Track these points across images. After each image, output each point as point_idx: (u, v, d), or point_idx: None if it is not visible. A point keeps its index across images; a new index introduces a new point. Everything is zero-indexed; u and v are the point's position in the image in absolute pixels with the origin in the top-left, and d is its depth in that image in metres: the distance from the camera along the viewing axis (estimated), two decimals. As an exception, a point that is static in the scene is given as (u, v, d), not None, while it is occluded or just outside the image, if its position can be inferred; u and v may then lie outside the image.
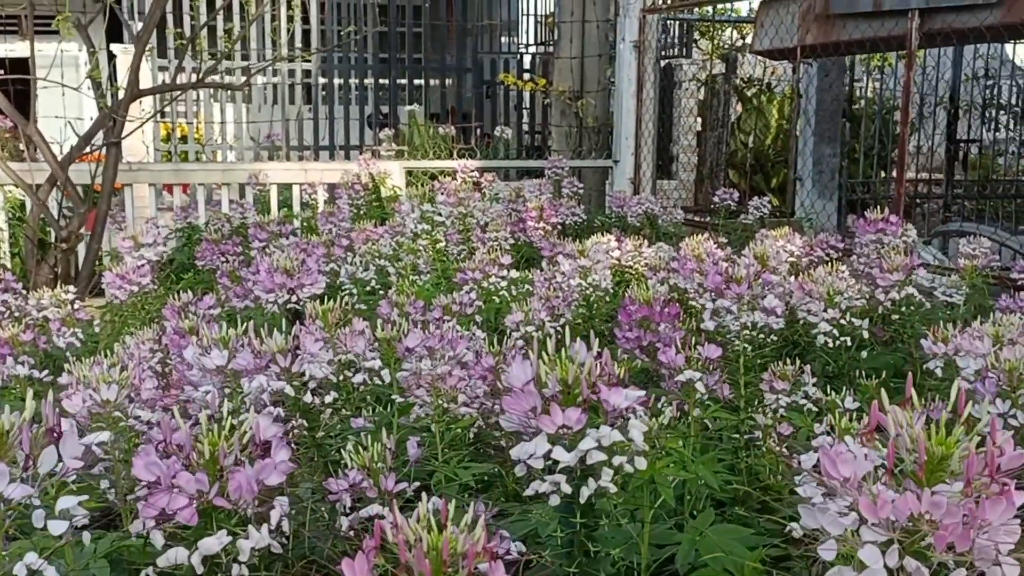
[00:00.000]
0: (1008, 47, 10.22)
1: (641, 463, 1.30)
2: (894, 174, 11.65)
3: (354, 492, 1.62)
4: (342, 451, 1.68)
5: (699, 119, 12.01)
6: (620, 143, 7.92)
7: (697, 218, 7.57)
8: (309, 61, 10.71)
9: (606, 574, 1.38)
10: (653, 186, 8.05)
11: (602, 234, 5.10)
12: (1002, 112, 10.06)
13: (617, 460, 1.28)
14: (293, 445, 1.81)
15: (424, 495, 1.63)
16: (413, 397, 2.12)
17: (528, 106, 12.58)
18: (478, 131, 10.55)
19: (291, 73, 10.73)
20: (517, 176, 9.97)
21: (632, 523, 1.68)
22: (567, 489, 1.27)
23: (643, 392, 1.33)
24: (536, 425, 1.26)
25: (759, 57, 9.28)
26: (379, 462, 1.63)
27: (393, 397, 2.07)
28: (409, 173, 7.73)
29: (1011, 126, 10.26)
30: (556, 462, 1.27)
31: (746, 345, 3.31)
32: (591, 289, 3.81)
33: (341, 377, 2.24)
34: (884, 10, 5.69)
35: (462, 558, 1.03)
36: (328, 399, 1.89)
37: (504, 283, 3.87)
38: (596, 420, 1.31)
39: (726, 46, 12.31)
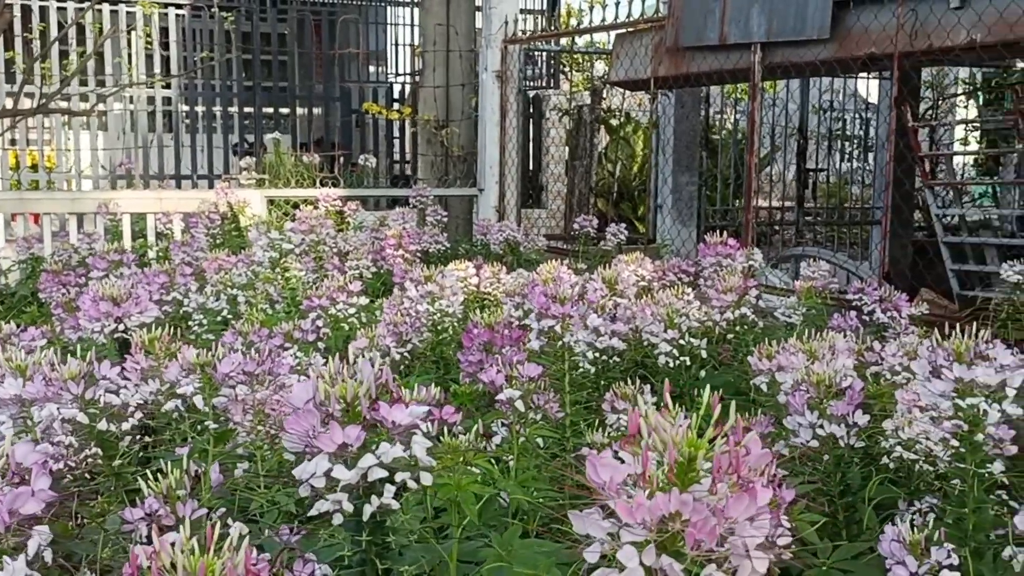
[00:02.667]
0: (855, 82, 10.77)
1: (427, 479, 1.31)
2: (756, 200, 12.08)
3: (152, 521, 1.58)
4: (139, 479, 1.63)
5: (568, 149, 12.22)
6: (485, 172, 8.00)
7: (560, 245, 7.68)
8: (169, 87, 10.47)
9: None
10: (518, 214, 8.15)
11: (461, 261, 5.12)
12: (847, 142, 10.59)
13: (400, 476, 1.28)
14: (88, 475, 1.76)
15: (231, 522, 1.59)
16: (233, 424, 2.08)
17: (398, 135, 12.59)
18: (341, 159, 10.49)
19: (150, 100, 10.47)
20: (388, 205, 9.96)
21: (440, 541, 1.69)
22: (349, 507, 1.27)
23: (426, 409, 1.34)
24: (317, 444, 1.26)
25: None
26: (178, 489, 1.59)
27: (207, 423, 2.03)
28: (271, 202, 7.62)
29: (856, 156, 10.81)
30: (339, 480, 1.26)
31: (589, 366, 3.39)
32: (440, 315, 3.81)
33: (171, 405, 2.19)
34: (729, 43, 5.93)
35: (219, 579, 1.02)
36: (126, 426, 1.84)
37: (352, 310, 3.84)
38: (383, 437, 1.32)
39: (592, 77, 12.59)
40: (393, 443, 1.28)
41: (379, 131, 11.97)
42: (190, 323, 4.29)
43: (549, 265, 4.47)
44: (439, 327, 3.83)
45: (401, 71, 14.53)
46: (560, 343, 2.54)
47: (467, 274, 4.87)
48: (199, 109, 10.93)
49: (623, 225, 6.31)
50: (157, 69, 10.36)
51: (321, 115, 12.44)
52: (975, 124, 9.82)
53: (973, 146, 10.27)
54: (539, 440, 2.52)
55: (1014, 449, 2.43)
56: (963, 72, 10.32)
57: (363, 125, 11.99)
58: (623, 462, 1.19)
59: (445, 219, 7.27)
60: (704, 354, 3.58)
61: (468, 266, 4.97)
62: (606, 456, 1.16)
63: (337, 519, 1.28)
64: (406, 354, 3.59)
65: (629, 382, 2.97)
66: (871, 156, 10.13)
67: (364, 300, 3.96)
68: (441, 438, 1.71)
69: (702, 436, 1.19)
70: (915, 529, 1.95)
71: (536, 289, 2.51)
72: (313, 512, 1.28)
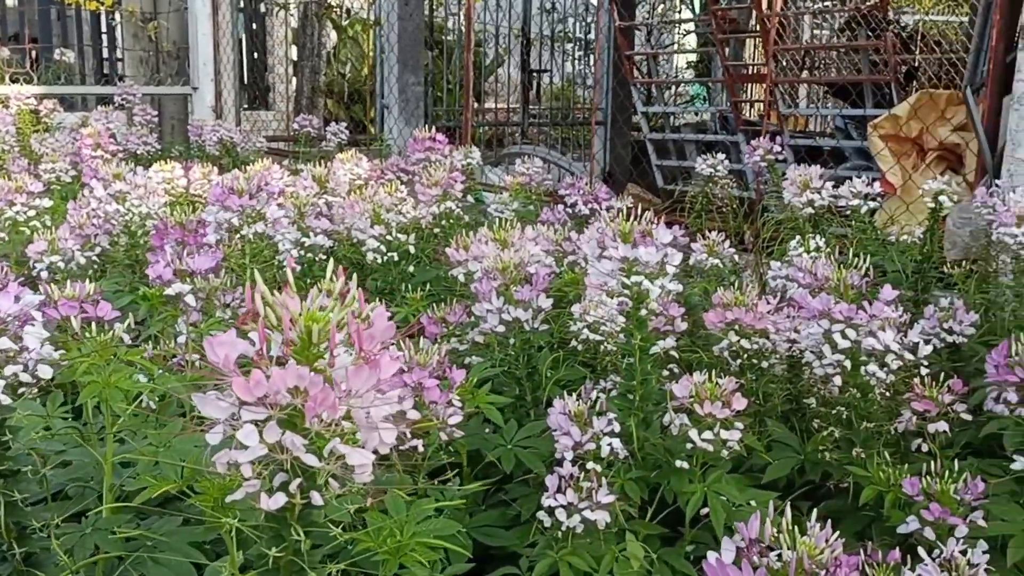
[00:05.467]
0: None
1: (45, 372, 1.21)
2: (488, 103, 12.20)
3: None
4: None
5: (295, 48, 11.78)
6: (198, 69, 7.55)
7: (282, 146, 7.44)
8: None
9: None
10: (237, 114, 7.78)
11: (168, 162, 4.83)
12: (570, 44, 10.86)
13: (11, 370, 1.18)
14: None
15: None
16: None
17: (106, 30, 11.63)
18: (34, 54, 9.56)
19: None
20: (98, 104, 9.21)
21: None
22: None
23: (40, 298, 1.24)
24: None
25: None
26: None
27: None
28: (-50, 101, 6.84)
29: (578, 58, 11.12)
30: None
31: (297, 265, 3.31)
32: (134, 216, 3.58)
33: None
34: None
35: None
36: None
37: (33, 212, 3.54)
38: None
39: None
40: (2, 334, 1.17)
41: (83, 25, 10.99)
42: None
43: (260, 164, 4.31)
44: (134, 229, 3.60)
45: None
46: (238, 236, 2.44)
47: (173, 175, 4.60)
48: None
49: (343, 125, 6.17)
50: None
51: (16, 7, 11.24)
52: (686, 28, 10.33)
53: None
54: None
55: (684, 326, 2.62)
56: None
57: (64, 18, 10.95)
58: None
59: (156, 119, 6.84)
60: (412, 249, 3.58)
61: (175, 167, 4.69)
62: (226, 335, 1.11)
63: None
64: (95, 258, 3.36)
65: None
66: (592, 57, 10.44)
67: (48, 202, 3.65)
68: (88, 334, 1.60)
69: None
70: (582, 402, 2.05)
71: (216, 182, 2.39)
72: None
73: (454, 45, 10.49)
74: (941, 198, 3.35)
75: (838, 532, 2.47)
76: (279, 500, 1.09)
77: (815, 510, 2.52)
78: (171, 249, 2.26)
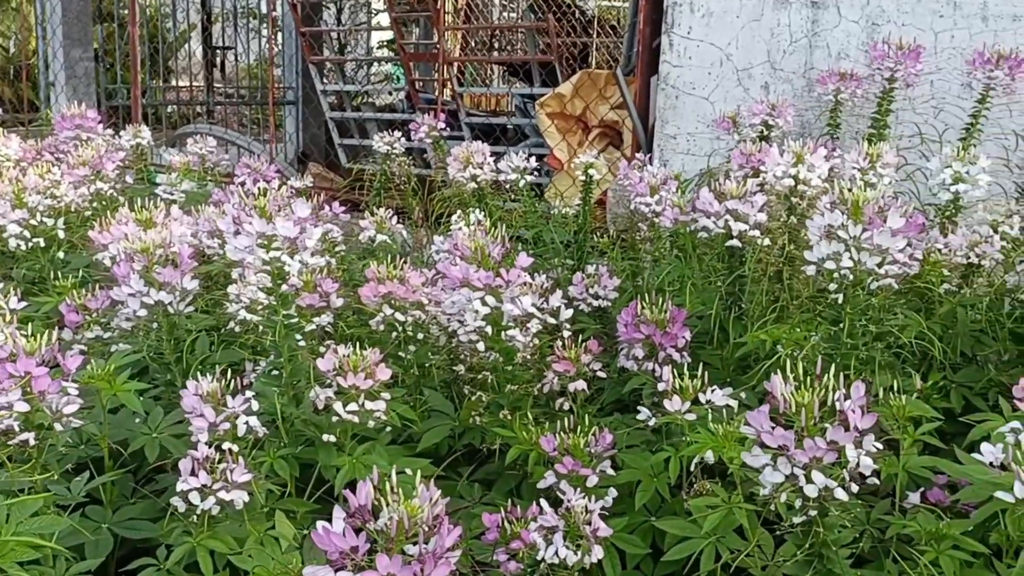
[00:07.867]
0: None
1: None
2: (182, 80, 11.59)
3: None
4: None
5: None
6: None
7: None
8: None
9: None
10: None
11: None
12: (255, 19, 10.50)
13: None
14: None
15: None
16: None
17: None
18: None
19: None
20: None
21: None
22: None
23: None
24: None
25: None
26: None
27: None
28: None
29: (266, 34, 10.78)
30: None
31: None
32: None
33: None
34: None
35: None
36: None
37: None
38: None
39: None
40: None
41: None
42: None
43: None
44: None
45: None
46: None
47: None
48: None
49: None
50: None
51: None
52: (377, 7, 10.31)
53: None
54: None
55: (340, 302, 2.62)
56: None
57: None
58: None
59: None
60: (62, 234, 3.36)
61: None
62: None
63: None
64: None
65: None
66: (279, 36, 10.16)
67: None
68: None
69: None
70: (222, 381, 2.00)
71: None
72: None
73: (124, 18, 9.86)
74: (590, 171, 3.56)
75: (492, 492, 2.58)
76: None
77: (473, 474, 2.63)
78: None
